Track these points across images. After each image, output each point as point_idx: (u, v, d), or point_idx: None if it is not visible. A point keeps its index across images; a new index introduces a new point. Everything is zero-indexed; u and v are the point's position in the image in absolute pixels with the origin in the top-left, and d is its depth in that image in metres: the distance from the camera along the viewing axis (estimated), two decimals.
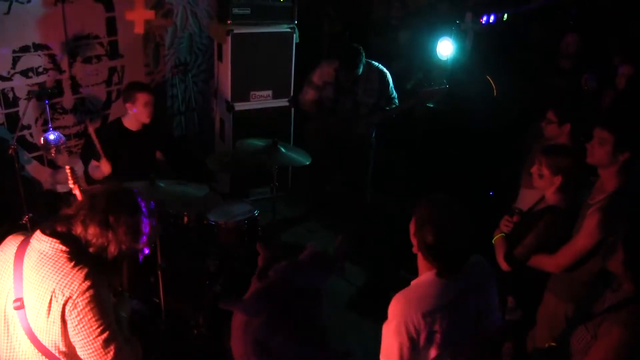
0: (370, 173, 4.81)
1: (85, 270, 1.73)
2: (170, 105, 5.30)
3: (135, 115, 3.68)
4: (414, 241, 1.93)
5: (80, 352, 1.77)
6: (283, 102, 5.13)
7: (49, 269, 1.72)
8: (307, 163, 3.74)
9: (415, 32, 5.83)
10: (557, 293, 2.72)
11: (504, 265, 2.68)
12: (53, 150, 3.89)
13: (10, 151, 3.54)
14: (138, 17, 4.39)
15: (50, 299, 1.70)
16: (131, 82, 3.91)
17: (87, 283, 1.71)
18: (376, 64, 4.41)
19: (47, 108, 3.96)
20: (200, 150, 5.35)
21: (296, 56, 5.03)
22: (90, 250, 1.77)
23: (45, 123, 4.17)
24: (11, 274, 1.76)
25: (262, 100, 5.03)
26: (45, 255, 1.74)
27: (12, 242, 1.83)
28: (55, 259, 1.73)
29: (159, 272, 3.19)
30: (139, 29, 4.43)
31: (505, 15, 5.30)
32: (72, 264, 1.73)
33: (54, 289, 1.70)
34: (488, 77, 5.18)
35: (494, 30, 5.29)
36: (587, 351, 1.96)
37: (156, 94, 5.05)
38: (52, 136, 3.84)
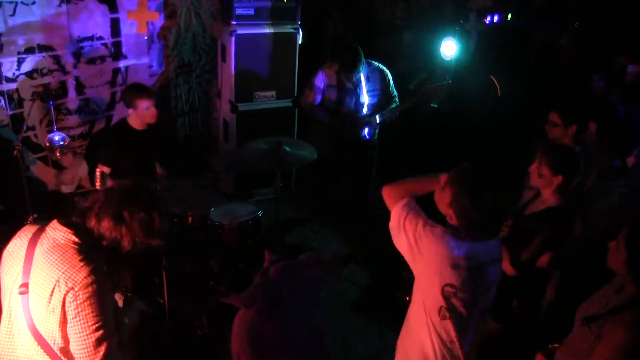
0: (374, 174, 4.80)
1: (91, 266, 1.74)
2: (174, 105, 5.31)
3: (139, 116, 3.69)
4: (448, 212, 1.98)
5: (72, 346, 1.77)
6: (287, 103, 5.14)
7: (58, 257, 1.74)
8: (314, 158, 3.70)
9: (418, 33, 5.82)
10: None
11: (509, 270, 2.64)
12: (57, 151, 3.91)
13: (15, 152, 3.55)
14: (141, 18, 4.40)
15: (54, 288, 1.71)
16: (128, 87, 3.89)
17: (91, 278, 1.72)
18: (376, 63, 4.38)
19: (52, 109, 3.97)
20: (204, 151, 5.36)
21: (300, 57, 5.03)
22: (104, 243, 1.80)
23: (50, 124, 4.18)
24: (22, 260, 1.79)
25: (265, 100, 5.03)
26: (57, 244, 1.77)
27: (28, 230, 1.87)
28: (66, 249, 1.76)
29: (163, 273, 3.20)
30: (142, 30, 4.44)
31: (509, 15, 5.30)
32: (81, 257, 1.75)
33: (59, 278, 1.71)
34: (492, 77, 5.17)
35: (497, 30, 5.28)
36: (591, 352, 1.96)
37: (160, 94, 5.09)
38: (56, 137, 3.86)
